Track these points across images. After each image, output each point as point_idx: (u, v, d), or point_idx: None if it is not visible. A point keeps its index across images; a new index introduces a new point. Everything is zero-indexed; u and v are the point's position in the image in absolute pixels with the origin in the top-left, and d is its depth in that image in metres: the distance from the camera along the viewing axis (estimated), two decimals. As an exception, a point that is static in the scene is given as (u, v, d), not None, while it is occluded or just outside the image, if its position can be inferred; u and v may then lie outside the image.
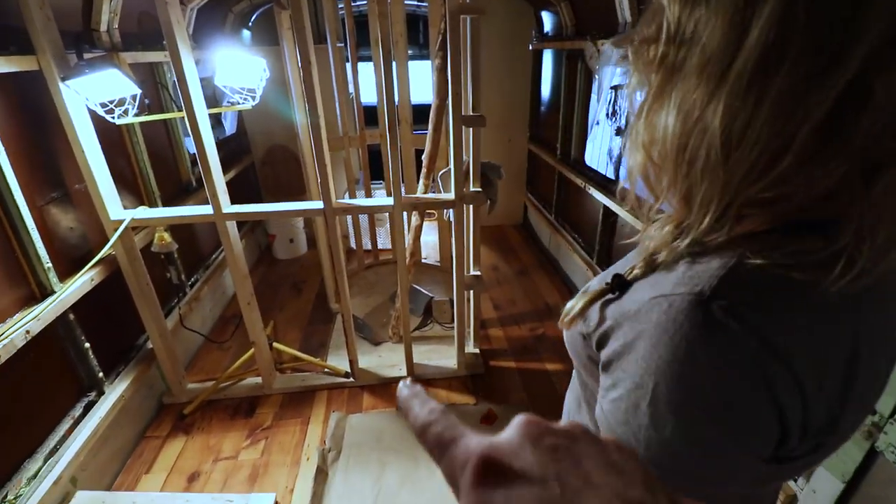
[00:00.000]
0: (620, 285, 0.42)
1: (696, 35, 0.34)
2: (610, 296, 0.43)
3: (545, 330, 2.61)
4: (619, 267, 0.48)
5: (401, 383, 0.28)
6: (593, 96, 2.79)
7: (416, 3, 3.62)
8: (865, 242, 0.32)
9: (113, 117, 1.57)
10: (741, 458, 0.36)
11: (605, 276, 0.47)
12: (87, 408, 1.67)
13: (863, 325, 0.36)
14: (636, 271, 0.42)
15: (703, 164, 0.35)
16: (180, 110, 1.64)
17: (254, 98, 1.78)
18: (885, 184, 0.31)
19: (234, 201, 1.80)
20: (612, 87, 2.48)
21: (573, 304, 0.46)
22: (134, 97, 1.58)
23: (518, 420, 0.23)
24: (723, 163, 0.34)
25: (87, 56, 1.60)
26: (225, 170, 1.76)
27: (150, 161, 2.16)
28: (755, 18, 0.31)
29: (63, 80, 1.46)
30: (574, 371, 0.60)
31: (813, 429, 0.36)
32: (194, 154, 1.65)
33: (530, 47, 3.57)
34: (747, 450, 0.36)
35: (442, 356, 2.31)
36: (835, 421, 0.36)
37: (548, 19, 3.32)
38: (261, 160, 3.67)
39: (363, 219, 3.53)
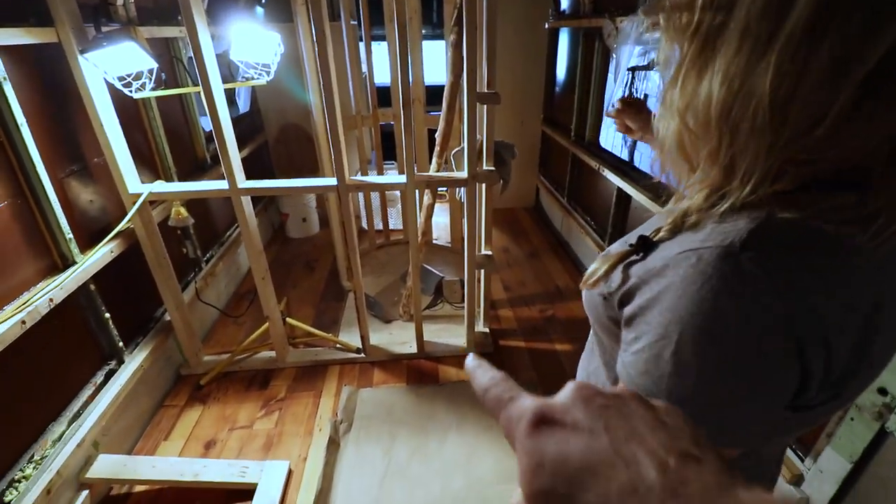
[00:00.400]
0: (645, 246, 0.43)
1: (733, 5, 0.34)
2: (634, 257, 0.43)
3: (555, 311, 2.62)
4: (643, 230, 0.48)
5: (469, 356, 0.30)
6: (610, 76, 2.74)
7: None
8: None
9: (130, 91, 1.59)
10: (762, 405, 0.37)
11: (629, 239, 0.47)
12: (108, 376, 1.73)
13: (886, 284, 0.37)
14: (662, 233, 0.42)
15: (750, 129, 0.35)
16: (196, 86, 1.65)
17: (268, 73, 1.78)
18: None
19: (248, 179, 1.81)
20: (629, 69, 2.43)
21: (597, 267, 0.46)
22: (151, 71, 1.59)
23: (571, 384, 0.25)
24: (770, 127, 0.34)
25: (104, 29, 1.60)
26: (239, 147, 1.77)
27: (167, 137, 2.19)
28: None
29: (82, 52, 1.48)
30: (591, 334, 0.61)
31: (832, 378, 0.36)
32: (209, 132, 1.67)
33: (546, 26, 3.50)
34: (769, 397, 0.36)
35: (452, 335, 2.34)
36: (854, 373, 0.37)
37: (565, -4, 3.24)
38: (274, 138, 3.67)
39: (375, 199, 3.54)
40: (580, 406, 0.23)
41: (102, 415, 1.59)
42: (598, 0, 2.74)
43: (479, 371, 0.29)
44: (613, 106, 0.84)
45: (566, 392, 0.24)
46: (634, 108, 0.82)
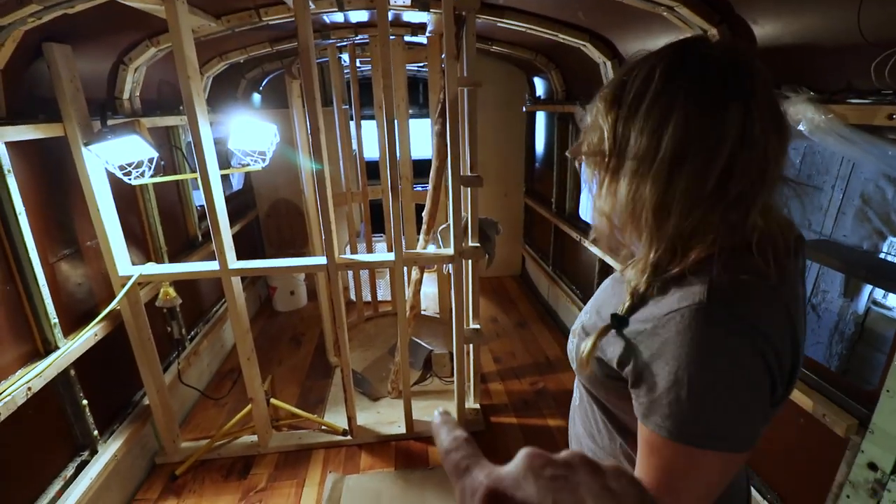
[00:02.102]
0: (619, 321, 0.55)
1: (628, 147, 0.53)
2: (613, 331, 0.56)
3: (546, 384, 2.58)
4: (600, 303, 0.66)
5: (436, 411, 0.32)
6: (585, 155, 2.93)
7: (416, 67, 3.87)
8: (778, 254, 0.51)
9: (129, 178, 1.66)
10: (761, 407, 0.50)
11: (591, 313, 0.67)
12: (80, 468, 1.63)
13: (790, 298, 0.52)
14: (626, 305, 0.55)
15: (646, 221, 0.53)
16: (193, 171, 1.74)
17: (264, 160, 1.88)
18: (766, 219, 0.52)
19: (238, 254, 1.84)
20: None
21: (584, 346, 0.58)
22: (151, 160, 1.68)
23: (522, 453, 0.26)
24: (656, 219, 0.52)
25: (109, 123, 1.71)
26: (231, 224, 1.83)
27: (160, 217, 2.24)
28: (665, 135, 0.50)
29: (86, 145, 1.56)
30: (577, 398, 0.73)
31: (786, 376, 0.51)
32: (202, 207, 1.72)
33: (524, 109, 3.78)
34: (763, 401, 0.50)
35: (442, 412, 2.27)
36: (796, 366, 0.52)
37: (540, 84, 3.55)
38: (265, 213, 3.77)
39: (363, 272, 3.58)
40: (531, 479, 0.24)
41: (68, 514, 1.48)
42: (570, 88, 3.00)
43: (444, 430, 0.29)
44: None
45: (517, 463, 0.25)
46: None
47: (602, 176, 0.57)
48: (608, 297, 0.66)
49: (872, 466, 1.13)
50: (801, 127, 1.14)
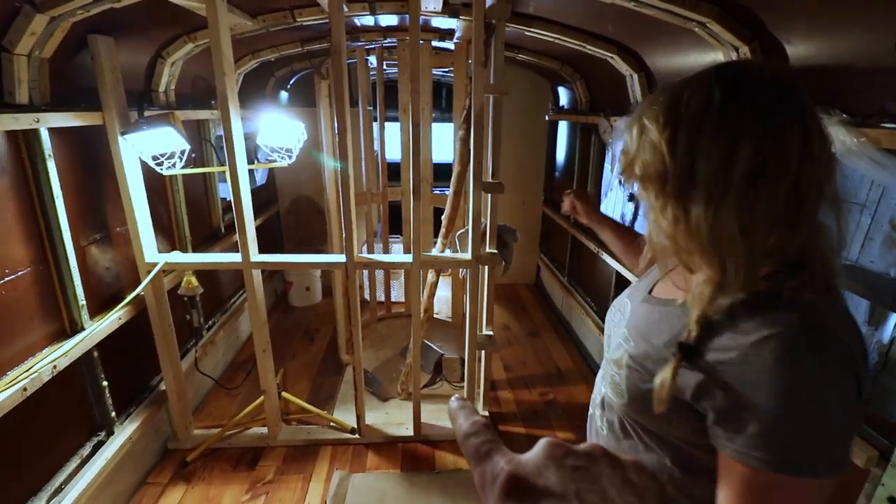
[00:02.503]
0: (689, 352, 0.52)
1: (696, 170, 0.51)
2: (685, 363, 0.53)
3: (556, 395, 2.57)
4: (644, 331, 0.62)
5: (453, 397, 0.33)
6: (606, 165, 2.92)
7: (440, 72, 3.91)
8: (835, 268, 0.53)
9: (161, 168, 1.71)
10: (855, 428, 0.56)
11: (635, 342, 0.62)
12: (96, 448, 1.67)
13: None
14: (693, 334, 0.53)
15: (729, 247, 0.51)
16: (222, 164, 1.78)
17: (291, 157, 1.92)
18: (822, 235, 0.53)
19: (258, 247, 1.88)
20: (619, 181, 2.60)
21: (658, 382, 0.54)
22: (183, 152, 1.73)
23: (543, 442, 0.26)
24: (735, 243, 0.50)
25: (146, 114, 1.76)
26: (253, 217, 1.87)
27: (187, 208, 2.30)
28: (738, 156, 0.49)
29: (122, 134, 1.61)
30: (619, 423, 0.67)
31: (867, 385, 0.50)
32: (226, 200, 1.76)
33: (546, 118, 3.78)
34: (857, 421, 0.56)
35: (450, 416, 2.28)
36: (870, 375, 0.56)
37: (563, 94, 3.55)
38: (286, 209, 3.83)
39: (379, 271, 3.60)
40: (552, 468, 0.24)
41: (83, 492, 1.51)
42: (594, 99, 2.99)
43: (462, 414, 0.29)
44: (567, 194, 1.10)
45: (538, 451, 0.25)
46: (584, 199, 1.09)
47: (664, 198, 0.55)
48: (653, 323, 0.63)
49: (893, 501, 1.10)
50: (833, 150, 1.13)
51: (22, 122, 1.32)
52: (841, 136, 1.13)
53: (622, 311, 0.74)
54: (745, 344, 0.49)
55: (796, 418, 0.46)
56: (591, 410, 0.79)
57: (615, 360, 0.65)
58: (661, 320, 0.62)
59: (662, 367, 0.55)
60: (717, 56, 1.52)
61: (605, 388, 0.70)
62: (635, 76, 2.08)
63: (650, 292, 0.70)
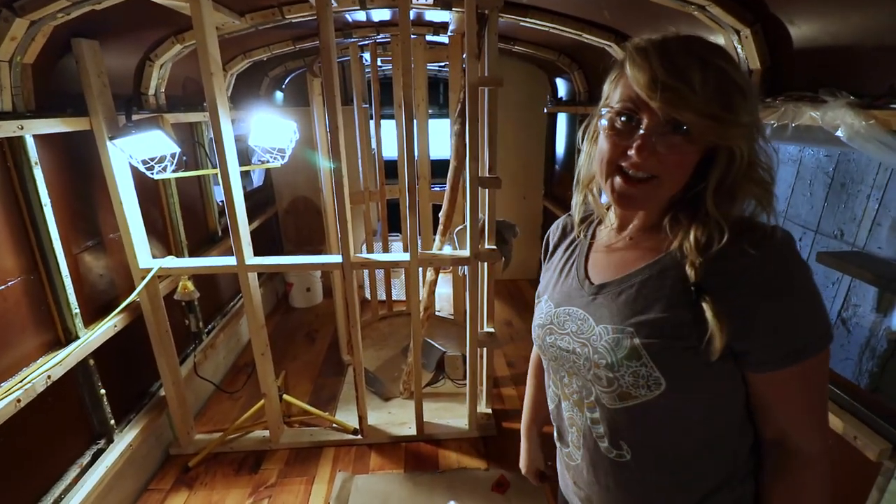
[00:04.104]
0: (698, 289, 0.57)
1: (754, 118, 0.59)
2: (707, 298, 0.58)
3: (560, 390, 2.53)
4: (640, 306, 0.62)
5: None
6: (607, 158, 2.87)
7: (437, 67, 3.86)
8: None
9: (152, 173, 1.68)
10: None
11: (635, 327, 0.61)
12: (96, 456, 1.66)
13: None
14: (693, 275, 0.58)
15: (755, 182, 0.61)
16: (214, 167, 1.75)
17: (283, 157, 1.89)
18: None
19: (256, 249, 1.86)
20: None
21: (714, 326, 0.56)
22: (173, 155, 1.70)
23: None
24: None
25: (134, 117, 1.73)
26: (250, 219, 1.84)
27: (181, 212, 2.27)
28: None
29: (111, 139, 1.59)
30: (653, 407, 0.62)
31: None
32: (222, 203, 1.74)
33: (545, 110, 3.73)
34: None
35: (453, 415, 2.26)
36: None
37: (562, 85, 3.49)
38: (284, 210, 3.81)
39: (379, 270, 3.58)
40: None
41: (83, 501, 1.50)
42: (592, 90, 2.94)
43: None
44: None
45: None
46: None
47: (709, 133, 0.57)
48: (641, 297, 0.62)
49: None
50: (839, 133, 1.08)
51: (5, 129, 1.29)
52: (848, 119, 1.08)
53: (576, 319, 0.69)
54: (739, 263, 0.56)
55: (814, 300, 0.56)
56: (570, 437, 0.75)
57: (616, 361, 0.62)
58: (650, 289, 0.62)
59: (685, 323, 0.58)
60: (717, 40, 1.47)
61: (604, 401, 0.65)
62: (633, 64, 2.03)
63: (600, 284, 0.68)
